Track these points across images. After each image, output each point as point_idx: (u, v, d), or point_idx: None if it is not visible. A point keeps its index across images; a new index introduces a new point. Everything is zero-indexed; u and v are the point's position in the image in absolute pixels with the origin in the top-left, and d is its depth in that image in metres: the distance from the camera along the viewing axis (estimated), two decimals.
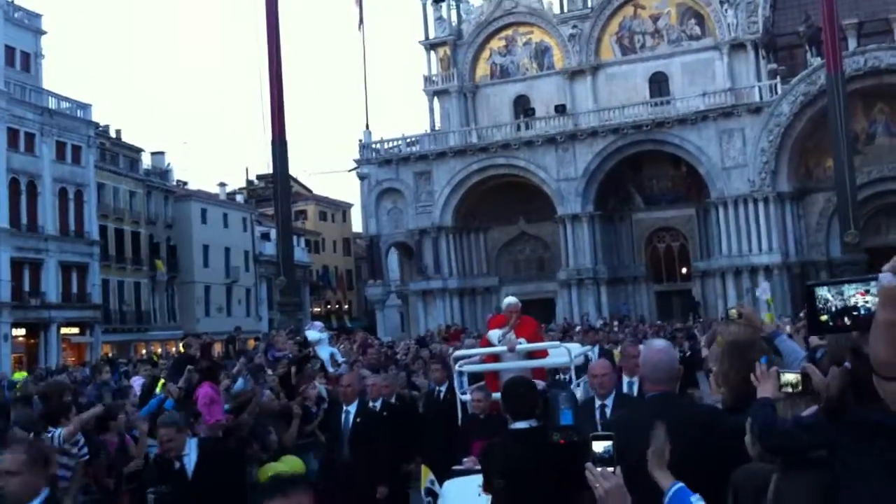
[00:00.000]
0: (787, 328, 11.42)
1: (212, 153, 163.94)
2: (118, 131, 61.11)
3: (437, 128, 57.63)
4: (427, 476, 8.09)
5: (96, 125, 51.74)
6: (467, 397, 9.00)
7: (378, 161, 55.54)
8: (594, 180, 51.33)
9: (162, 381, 17.42)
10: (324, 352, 14.93)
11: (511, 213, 54.58)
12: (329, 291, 75.80)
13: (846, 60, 39.42)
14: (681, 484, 3.15)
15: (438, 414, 10.28)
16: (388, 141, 56.76)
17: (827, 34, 31.64)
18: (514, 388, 5.51)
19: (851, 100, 39.03)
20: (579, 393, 8.33)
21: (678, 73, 53.34)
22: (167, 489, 6.84)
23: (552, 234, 53.34)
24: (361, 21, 53.18)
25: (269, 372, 14.14)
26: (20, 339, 44.52)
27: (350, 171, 57.45)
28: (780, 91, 47.44)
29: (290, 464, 8.60)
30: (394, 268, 59.54)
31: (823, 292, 1.86)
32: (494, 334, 10.21)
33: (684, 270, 52.83)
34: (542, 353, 9.77)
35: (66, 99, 49.19)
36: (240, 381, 13.28)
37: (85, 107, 49.97)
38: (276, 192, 29.91)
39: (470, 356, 10.22)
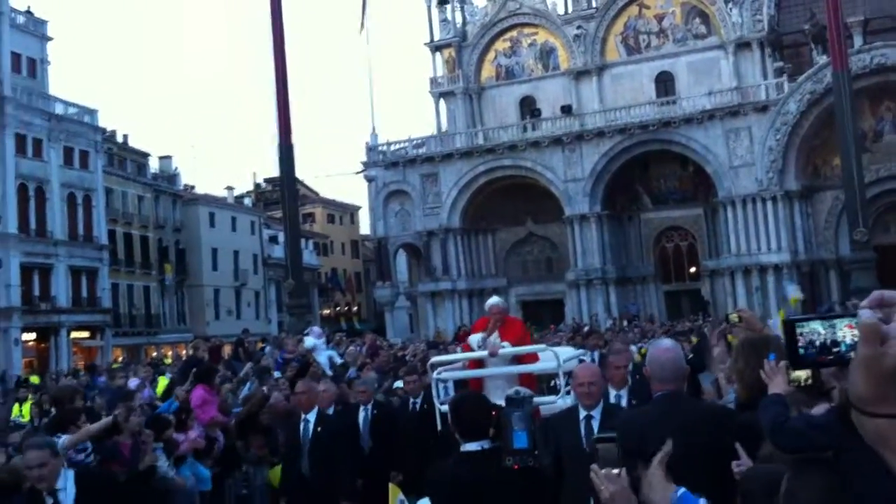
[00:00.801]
0: None
1: (219, 157, 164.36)
2: (125, 136, 61.22)
3: (443, 130, 57.68)
4: (396, 496, 7.51)
5: (103, 130, 51.85)
6: (447, 408, 8.49)
7: (385, 163, 55.60)
8: (601, 180, 51.30)
9: (163, 379, 17.55)
10: (321, 356, 15.04)
11: (519, 214, 54.57)
12: (338, 293, 75.87)
13: (852, 58, 39.39)
14: (683, 489, 3.15)
15: (412, 428, 9.52)
16: (394, 143, 56.83)
17: (832, 32, 31.61)
18: (462, 405, 4.97)
19: (858, 97, 38.93)
20: (568, 401, 7.54)
21: (684, 73, 53.30)
22: None
23: (560, 235, 53.31)
24: (363, 26, 53.18)
25: (278, 374, 14.23)
26: (31, 343, 44.67)
27: (357, 173, 57.62)
28: (786, 89, 47.33)
29: None
30: (402, 269, 59.59)
31: (814, 326, 1.88)
32: (475, 339, 9.38)
33: (693, 270, 52.77)
34: (532, 358, 8.91)
35: (73, 104, 49.33)
36: (247, 386, 13.39)
37: (92, 112, 50.10)
38: (284, 195, 30.01)
39: (449, 362, 9.44)
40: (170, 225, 58.52)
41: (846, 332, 1.82)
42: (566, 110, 53.66)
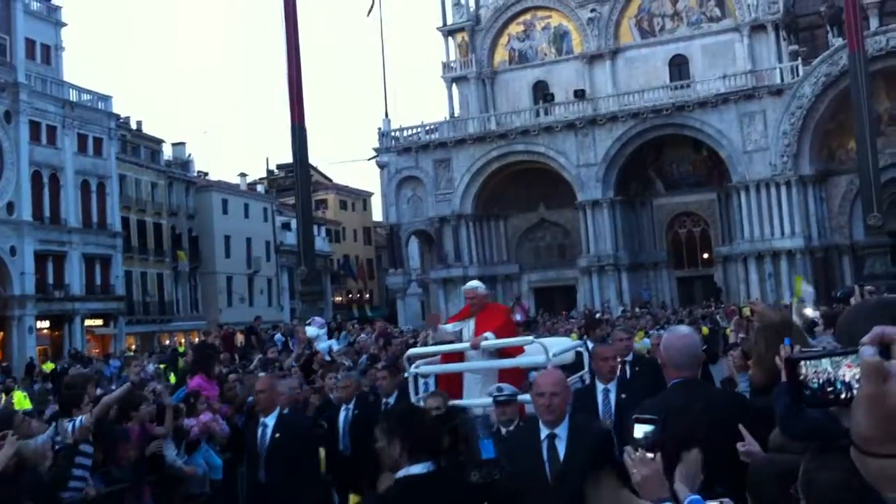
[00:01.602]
0: (809, 311, 11.34)
1: (232, 144, 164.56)
2: (139, 123, 61.35)
3: (456, 115, 57.51)
4: None
5: (117, 117, 51.94)
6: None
7: (397, 149, 55.49)
8: (614, 165, 51.07)
9: (164, 366, 17.67)
10: (322, 345, 15.14)
11: (531, 200, 54.40)
12: (350, 280, 75.95)
13: (868, 40, 38.95)
14: (694, 496, 3.09)
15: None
16: (407, 129, 56.69)
17: (849, 13, 31.27)
18: (396, 420, 3.88)
19: (874, 80, 38.59)
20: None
21: (698, 56, 52.96)
22: None
23: (573, 221, 53.12)
24: (371, 9, 53.00)
25: (291, 361, 14.29)
26: (45, 331, 44.89)
27: (370, 159, 57.52)
28: (801, 72, 46.94)
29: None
30: (414, 256, 59.56)
31: (824, 364, 1.81)
32: (449, 328, 8.43)
33: (706, 256, 52.55)
34: (518, 351, 7.89)
35: (87, 91, 49.40)
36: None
37: (106, 99, 50.17)
38: (297, 181, 29.92)
39: (427, 355, 8.53)
40: (183, 212, 58.62)
41: (845, 370, 1.77)
42: (579, 94, 53.37)
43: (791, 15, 50.91)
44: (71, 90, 47.96)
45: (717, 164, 50.16)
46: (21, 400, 17.34)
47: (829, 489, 2.27)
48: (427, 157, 54.67)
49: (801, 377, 1.79)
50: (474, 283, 8.72)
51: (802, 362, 1.81)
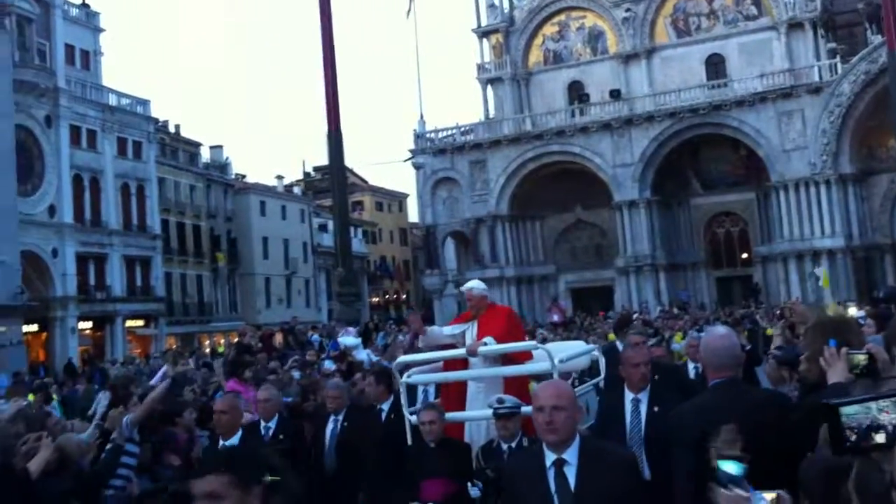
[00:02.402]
0: (853, 311, 11.21)
1: (269, 146, 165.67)
2: (177, 126, 61.89)
3: (491, 116, 57.51)
4: None
5: (156, 121, 52.46)
6: (416, 418, 6.80)
7: (433, 150, 55.60)
8: (651, 165, 50.81)
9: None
10: (361, 354, 15.15)
11: (567, 201, 54.23)
12: (387, 281, 76.16)
13: None
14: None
15: (377, 441, 7.71)
16: (442, 130, 56.79)
17: (887, 11, 30.84)
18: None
19: None
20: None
21: (735, 55, 52.52)
22: None
23: (609, 221, 52.93)
24: (410, 10, 53.16)
25: (328, 364, 14.36)
26: (87, 332, 45.44)
27: (405, 161, 57.69)
28: (840, 70, 46.43)
29: None
30: (450, 257, 59.60)
31: (856, 409, 1.81)
32: (447, 330, 7.74)
33: (745, 255, 52.10)
34: (525, 357, 7.11)
35: (126, 95, 49.95)
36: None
37: (144, 103, 50.71)
38: (333, 183, 30.03)
39: (421, 362, 7.63)
40: (221, 214, 59.09)
41: (884, 416, 1.77)
42: (615, 95, 53.16)
43: (829, 12, 50.38)
44: (110, 95, 48.53)
45: (755, 164, 49.71)
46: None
47: (883, 489, 2.27)
48: (462, 158, 54.72)
49: (843, 424, 1.76)
50: (472, 282, 7.90)
51: (841, 409, 1.78)
